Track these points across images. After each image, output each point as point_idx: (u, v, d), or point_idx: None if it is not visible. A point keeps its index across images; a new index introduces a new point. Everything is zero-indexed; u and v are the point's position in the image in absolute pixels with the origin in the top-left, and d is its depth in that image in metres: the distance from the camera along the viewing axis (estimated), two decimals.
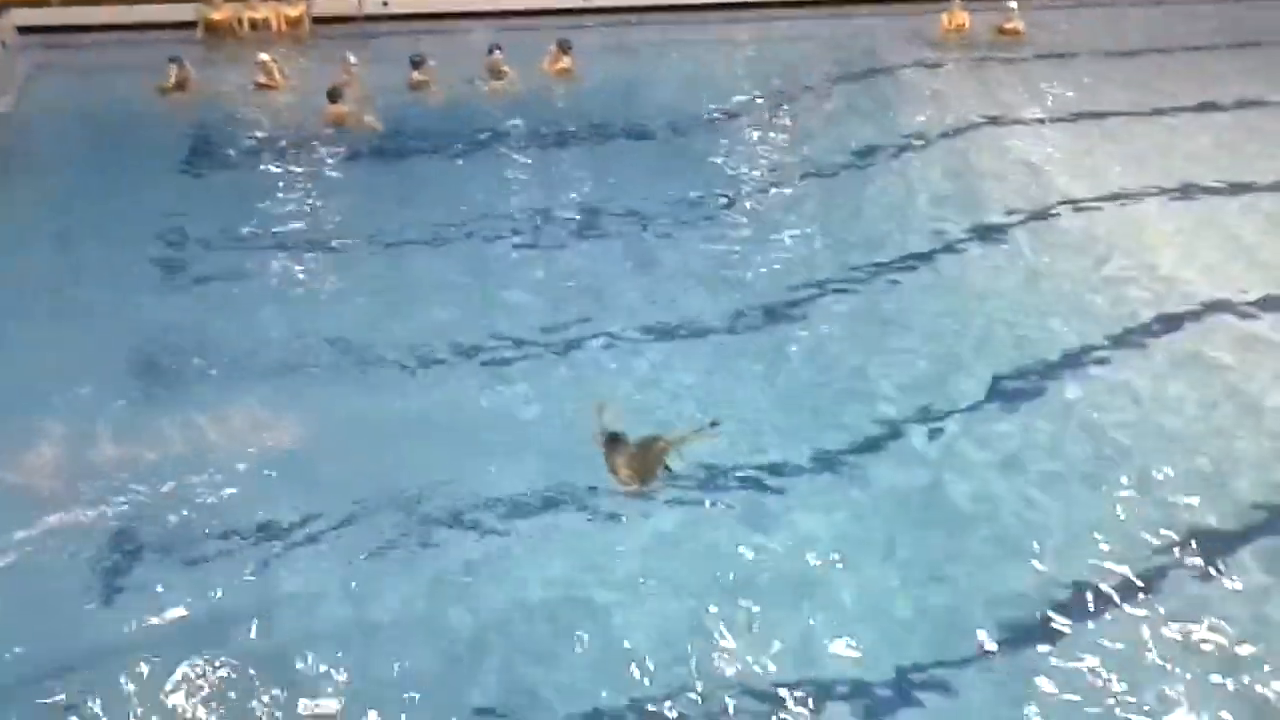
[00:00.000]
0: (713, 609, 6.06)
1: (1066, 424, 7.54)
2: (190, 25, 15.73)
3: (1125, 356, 8.22)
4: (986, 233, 10.02)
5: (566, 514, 6.81)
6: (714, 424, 7.18)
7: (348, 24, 16.27)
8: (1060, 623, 6.03)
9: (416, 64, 13.78)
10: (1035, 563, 6.41)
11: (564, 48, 14.20)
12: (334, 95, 12.79)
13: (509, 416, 7.75)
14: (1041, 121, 12.53)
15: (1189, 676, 5.68)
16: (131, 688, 5.69)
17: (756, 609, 6.07)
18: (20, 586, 6.34)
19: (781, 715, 5.53)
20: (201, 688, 5.69)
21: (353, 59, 13.84)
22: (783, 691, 5.63)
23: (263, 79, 13.67)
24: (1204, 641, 5.87)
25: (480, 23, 15.86)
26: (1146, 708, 5.53)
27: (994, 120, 12.41)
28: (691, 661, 5.78)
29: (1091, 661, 5.76)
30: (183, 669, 5.78)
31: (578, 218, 10.63)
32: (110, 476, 7.18)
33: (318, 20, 16.16)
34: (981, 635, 5.94)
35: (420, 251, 10.06)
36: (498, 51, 13.92)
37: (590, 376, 8.20)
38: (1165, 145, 11.91)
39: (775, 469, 7.17)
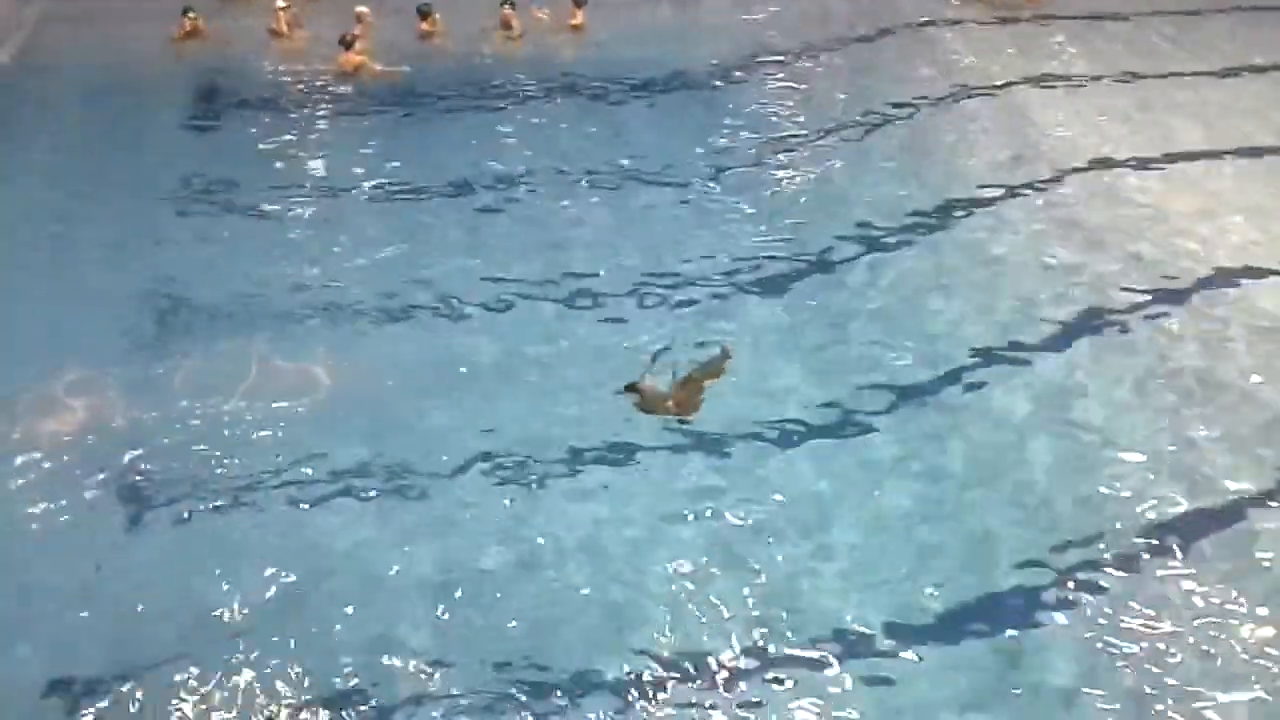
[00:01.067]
0: None
1: (1099, 383, 7.49)
2: None
3: (1159, 315, 8.17)
4: (1007, 194, 9.88)
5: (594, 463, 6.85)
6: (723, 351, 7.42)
7: None
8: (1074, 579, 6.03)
9: (424, 14, 13.61)
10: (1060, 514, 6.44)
11: (578, 2, 14.00)
12: (347, 44, 12.64)
13: (531, 365, 7.77)
14: (1063, 81, 12.29)
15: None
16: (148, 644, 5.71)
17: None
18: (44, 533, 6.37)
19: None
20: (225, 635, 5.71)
21: (364, 8, 13.65)
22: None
23: (275, 26, 13.52)
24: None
25: None
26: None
27: (1020, 80, 12.18)
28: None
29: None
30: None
31: (590, 173, 10.48)
32: (124, 423, 7.16)
33: None
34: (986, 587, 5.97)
35: (432, 202, 9.97)
36: (509, 6, 13.73)
37: (611, 329, 8.17)
38: (1195, 107, 11.69)
39: (792, 420, 7.19)
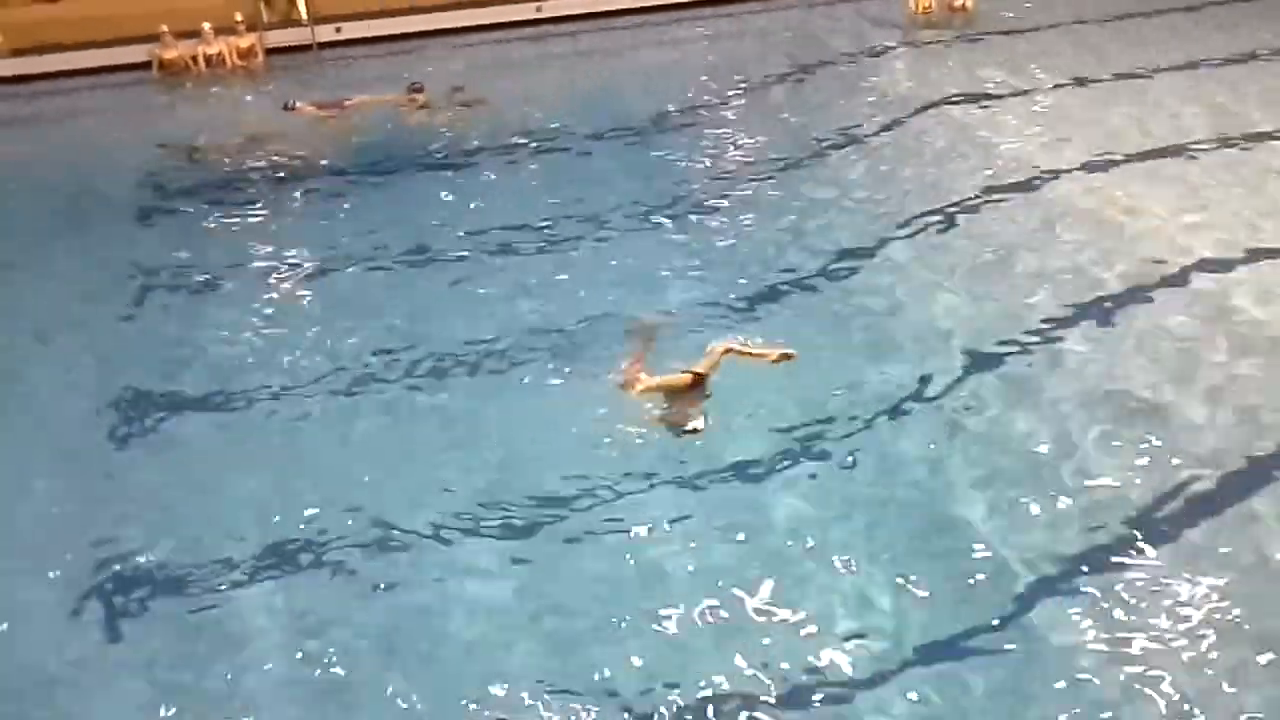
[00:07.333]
0: None
1: (1051, 396, 7.48)
2: (146, 66, 15.70)
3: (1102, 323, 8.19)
4: (960, 211, 9.97)
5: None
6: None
7: (304, 53, 16.24)
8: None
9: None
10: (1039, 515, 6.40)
11: (415, 89, 13.64)
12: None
13: (484, 431, 7.63)
14: (1009, 96, 12.49)
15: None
16: None
17: None
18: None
19: None
20: None
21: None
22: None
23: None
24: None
25: (437, 42, 15.96)
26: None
27: (965, 98, 12.40)
28: None
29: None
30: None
31: (531, 229, 10.40)
32: (99, 516, 6.99)
33: (273, 51, 16.12)
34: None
35: (369, 274, 9.90)
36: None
37: (562, 383, 8.01)
38: (1125, 112, 11.89)
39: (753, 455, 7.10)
